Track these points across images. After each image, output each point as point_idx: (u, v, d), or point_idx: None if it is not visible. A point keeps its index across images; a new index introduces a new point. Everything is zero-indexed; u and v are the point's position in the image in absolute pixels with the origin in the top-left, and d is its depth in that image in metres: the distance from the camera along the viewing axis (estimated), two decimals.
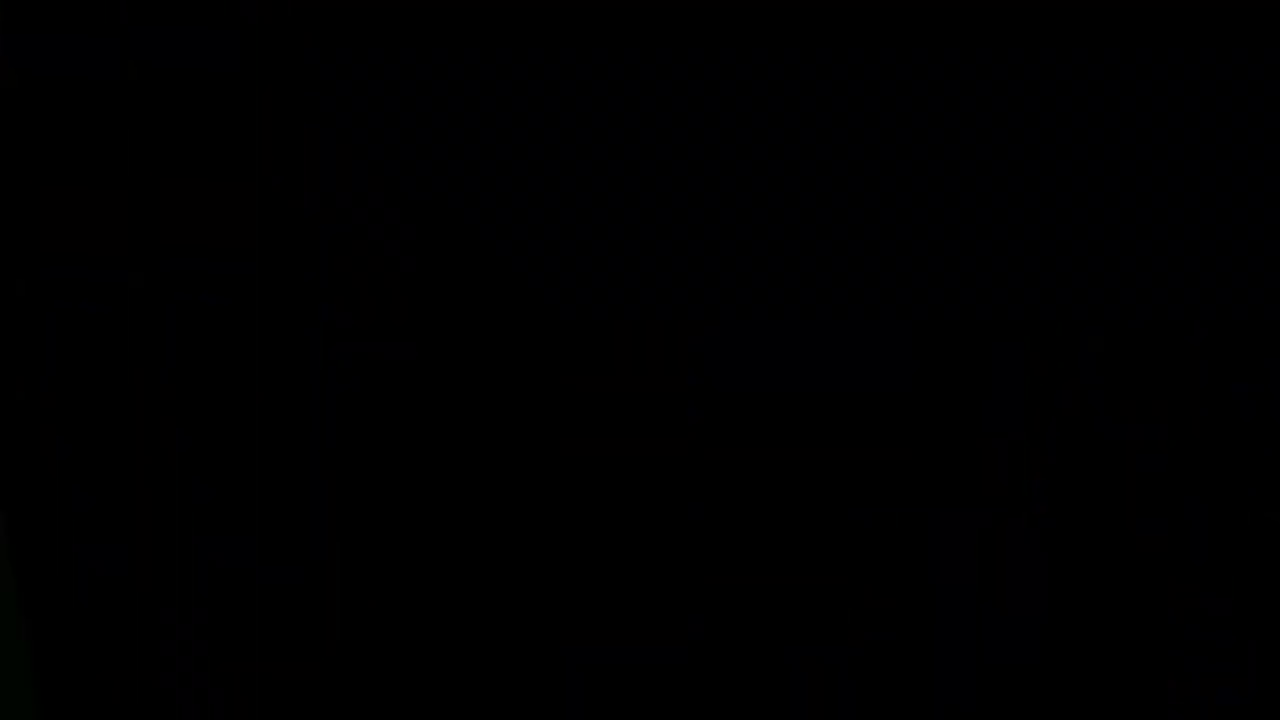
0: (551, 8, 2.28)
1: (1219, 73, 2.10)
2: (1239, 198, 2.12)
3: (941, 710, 2.24)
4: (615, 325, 2.28)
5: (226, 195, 2.29)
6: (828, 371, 2.26)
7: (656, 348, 2.28)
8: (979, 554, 2.22)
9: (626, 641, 2.27)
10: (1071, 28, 2.05)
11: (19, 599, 2.24)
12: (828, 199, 2.25)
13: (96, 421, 2.27)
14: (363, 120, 2.29)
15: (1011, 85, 2.11)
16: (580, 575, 2.27)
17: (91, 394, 2.27)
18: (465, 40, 2.29)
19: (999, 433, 2.20)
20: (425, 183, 2.29)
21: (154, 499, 2.26)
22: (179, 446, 2.27)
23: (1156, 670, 2.23)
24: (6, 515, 2.25)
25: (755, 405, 2.27)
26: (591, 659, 2.27)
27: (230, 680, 2.25)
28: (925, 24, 2.02)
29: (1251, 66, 2.09)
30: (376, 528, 2.27)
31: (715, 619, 2.27)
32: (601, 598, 2.27)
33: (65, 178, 2.28)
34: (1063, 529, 2.21)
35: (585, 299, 2.29)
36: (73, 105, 2.28)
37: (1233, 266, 2.15)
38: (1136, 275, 2.16)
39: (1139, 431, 2.19)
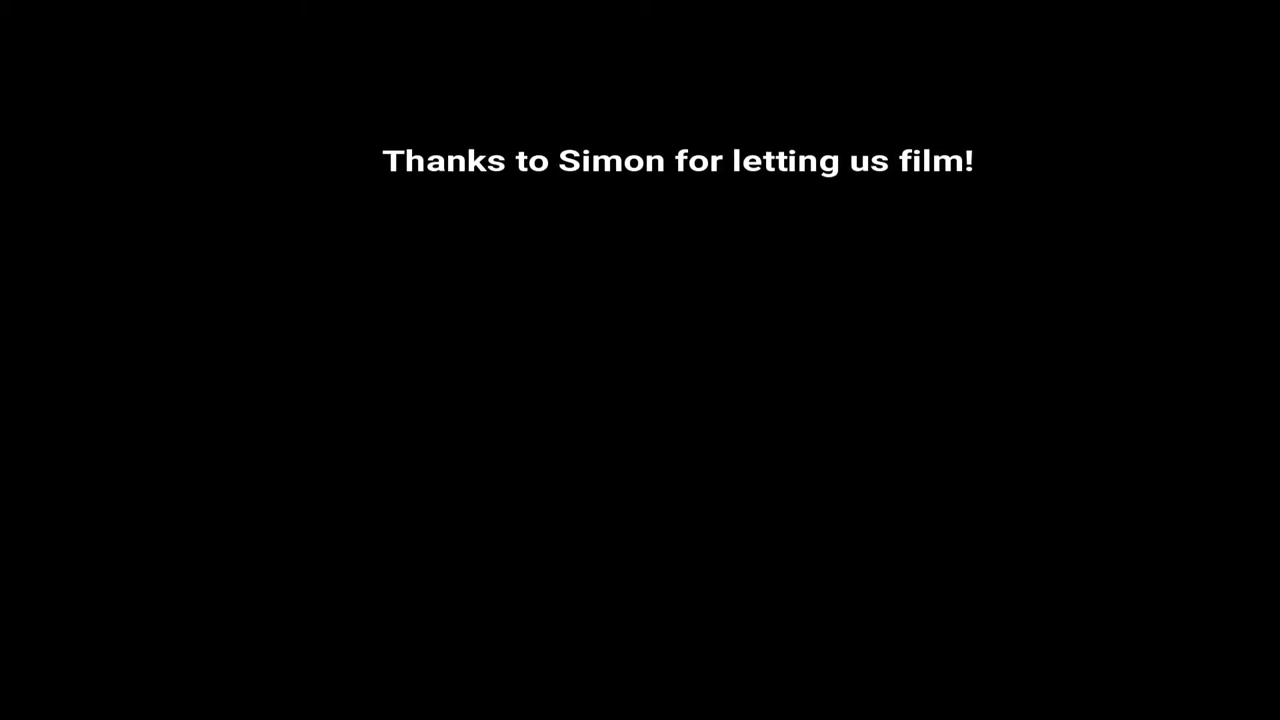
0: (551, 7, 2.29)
1: None
2: None
3: None
4: (615, 344, 2.28)
5: (226, 195, 2.29)
6: None
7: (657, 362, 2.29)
8: None
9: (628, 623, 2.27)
10: None
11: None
12: None
13: (96, 421, 2.27)
14: (362, 120, 2.30)
15: None
16: (578, 574, 2.27)
17: (91, 394, 2.27)
18: (463, 40, 2.30)
19: None
20: (423, 181, 2.30)
21: (154, 499, 2.26)
22: (179, 446, 2.27)
23: None
24: (6, 515, 2.26)
25: None
26: (591, 660, 2.26)
27: (230, 680, 2.25)
28: None
29: None
30: (376, 528, 2.27)
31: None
32: (599, 596, 2.27)
33: (65, 177, 2.28)
34: None
35: (586, 300, 2.29)
36: (72, 105, 2.28)
37: None
38: None
39: None
